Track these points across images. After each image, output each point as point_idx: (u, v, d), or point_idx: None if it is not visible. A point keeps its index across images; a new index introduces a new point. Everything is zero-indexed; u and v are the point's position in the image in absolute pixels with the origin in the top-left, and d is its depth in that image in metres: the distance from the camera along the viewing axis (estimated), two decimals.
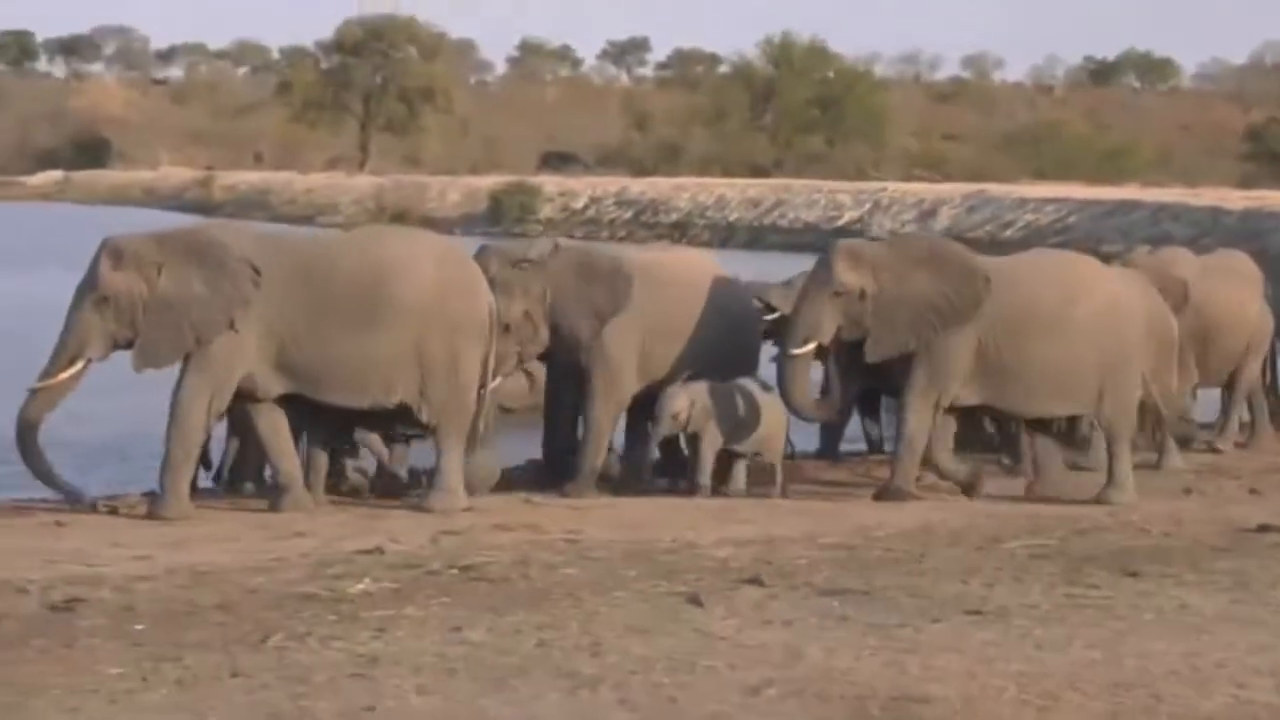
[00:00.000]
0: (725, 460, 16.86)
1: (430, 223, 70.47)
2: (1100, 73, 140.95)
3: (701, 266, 18.07)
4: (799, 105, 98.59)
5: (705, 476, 16.66)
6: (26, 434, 15.29)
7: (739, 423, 16.59)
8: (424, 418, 15.55)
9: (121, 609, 11.32)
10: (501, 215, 74.68)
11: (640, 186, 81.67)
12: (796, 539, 14.02)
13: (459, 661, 9.82)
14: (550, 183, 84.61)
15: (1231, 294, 19.96)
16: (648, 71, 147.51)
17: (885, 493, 16.52)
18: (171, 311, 15.03)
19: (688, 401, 16.38)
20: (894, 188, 73.04)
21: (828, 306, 16.31)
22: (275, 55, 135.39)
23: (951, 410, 16.66)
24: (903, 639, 10.41)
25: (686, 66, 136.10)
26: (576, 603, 11.40)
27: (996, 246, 54.68)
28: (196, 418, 15.08)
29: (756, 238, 63.99)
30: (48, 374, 15.20)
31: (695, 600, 11.45)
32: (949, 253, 17.09)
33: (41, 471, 15.41)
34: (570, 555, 13.26)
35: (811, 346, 16.40)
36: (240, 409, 15.49)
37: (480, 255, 16.83)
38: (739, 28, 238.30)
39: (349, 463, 16.50)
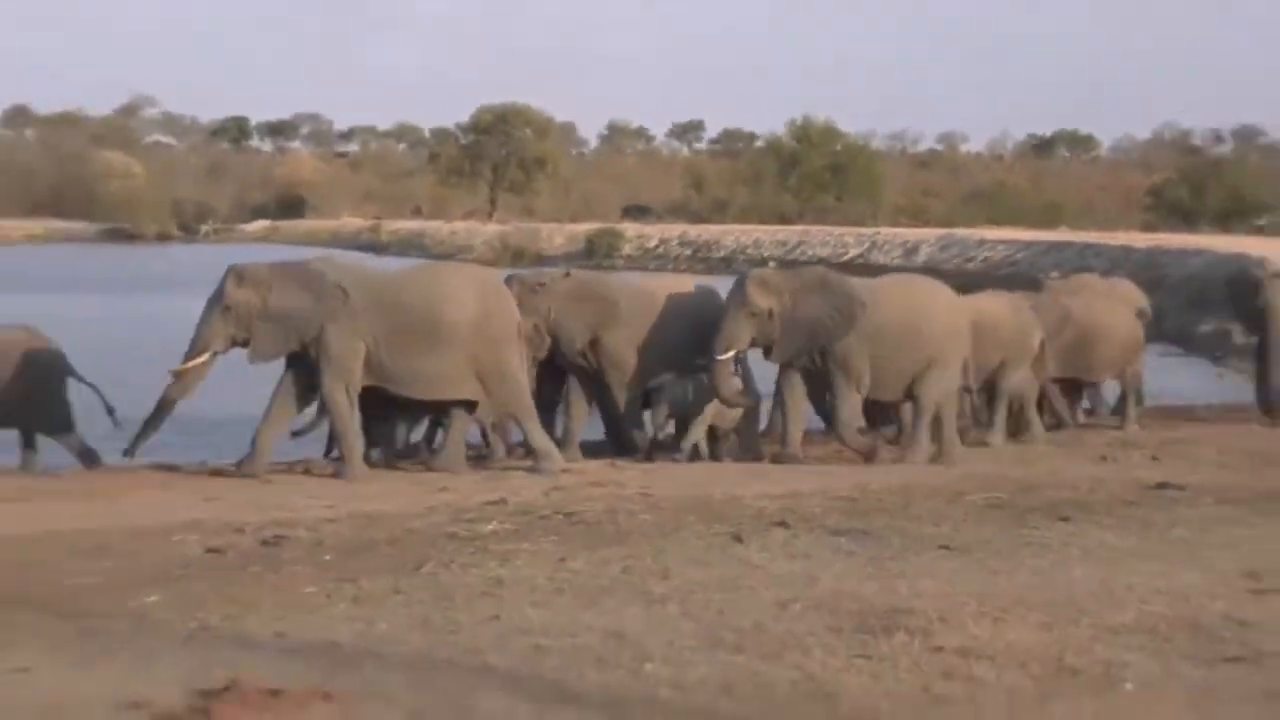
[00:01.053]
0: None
1: (541, 258, 70.71)
2: (1040, 146, 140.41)
3: (679, 289, 17.87)
4: (815, 170, 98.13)
5: (689, 443, 16.90)
6: (163, 408, 15.52)
7: (719, 408, 16.77)
8: (496, 409, 15.76)
9: (314, 544, 11.38)
10: (594, 252, 74.68)
11: (697, 231, 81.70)
12: (813, 493, 13.99)
13: (563, 584, 9.82)
14: (630, 228, 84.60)
15: (1107, 313, 19.89)
16: (703, 146, 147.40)
17: (869, 458, 16.55)
18: (277, 320, 15.16)
19: (683, 391, 16.50)
20: (885, 232, 72.91)
21: (744, 322, 16.32)
22: (426, 134, 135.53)
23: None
24: (892, 567, 10.38)
25: (732, 142, 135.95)
26: (650, 540, 11.39)
27: (963, 276, 54.76)
28: (342, 402, 15.22)
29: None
30: (182, 363, 15.38)
31: (738, 538, 11.42)
32: (835, 281, 17.02)
33: (144, 436, 15.53)
34: (645, 505, 13.25)
35: (732, 353, 16.38)
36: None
37: (507, 281, 16.87)
38: (771, 113, 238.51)
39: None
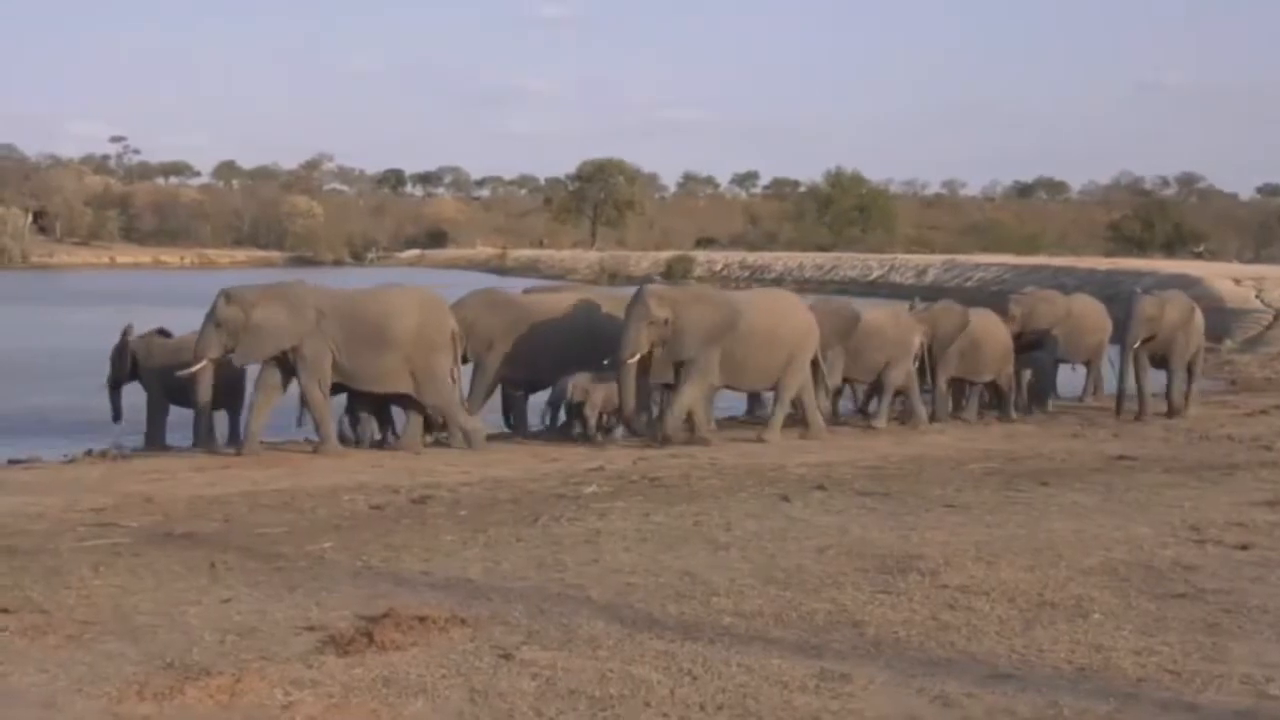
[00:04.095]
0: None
1: (631, 278, 70.53)
2: (1023, 190, 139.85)
3: (562, 301, 17.05)
4: (846, 210, 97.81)
5: (591, 429, 15.81)
6: (199, 400, 15.38)
7: (606, 396, 15.68)
8: (423, 400, 15.05)
9: (453, 502, 11.38)
10: (672, 274, 74.33)
11: (754, 257, 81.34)
12: (843, 462, 13.91)
13: (648, 534, 9.78)
14: (701, 255, 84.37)
15: (990, 325, 18.70)
16: (758, 191, 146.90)
17: (663, 439, 15.36)
18: (259, 332, 14.65)
19: (574, 384, 15.73)
20: (900, 258, 72.44)
21: (645, 330, 15.38)
22: (542, 182, 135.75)
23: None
24: (907, 521, 10.30)
25: (781, 188, 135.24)
26: (716, 499, 11.35)
27: (961, 293, 54.47)
28: (319, 396, 14.75)
29: (820, 287, 63.32)
30: (188, 368, 14.94)
31: (785, 498, 11.37)
32: (714, 295, 16.60)
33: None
34: (712, 471, 13.21)
35: (638, 356, 15.32)
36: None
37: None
38: (812, 165, 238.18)
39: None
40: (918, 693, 6.20)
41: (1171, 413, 18.41)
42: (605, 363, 15.88)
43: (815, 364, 16.54)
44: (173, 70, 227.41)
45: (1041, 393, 19.51)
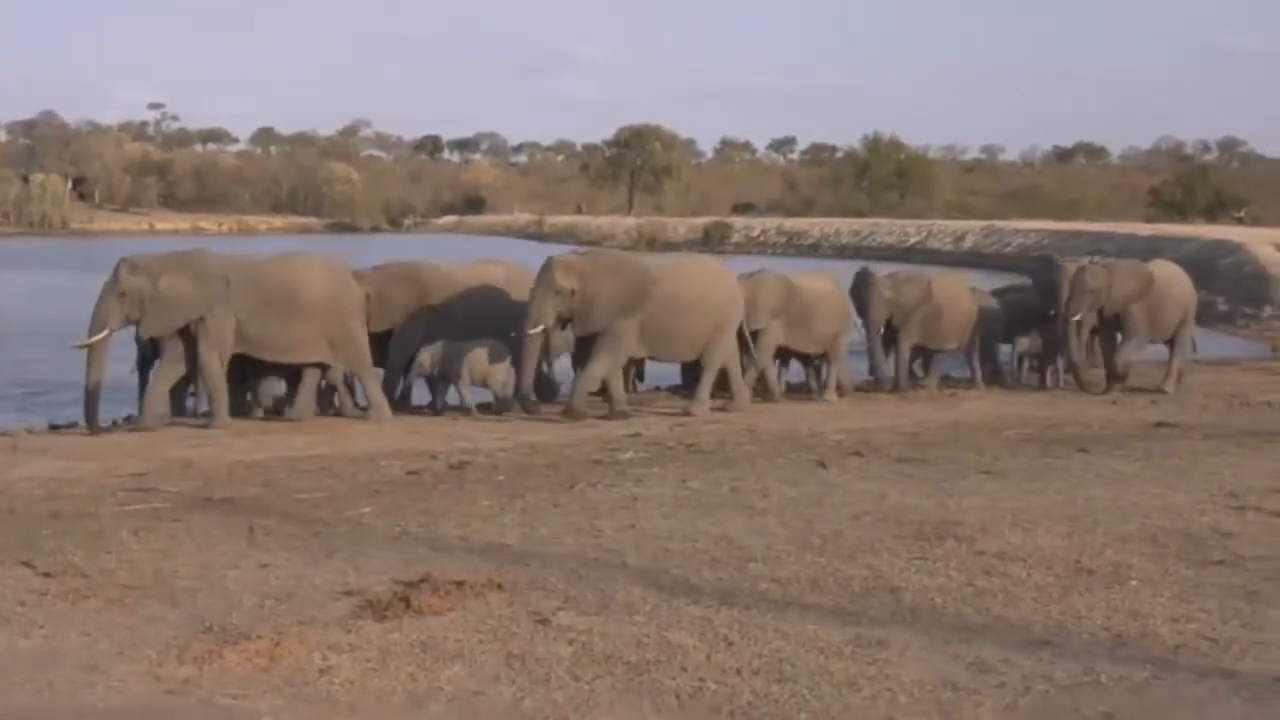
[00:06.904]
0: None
1: (669, 244, 70.26)
2: (1062, 155, 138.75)
3: (473, 273, 16.71)
4: (884, 175, 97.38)
5: (462, 399, 15.40)
6: (92, 375, 14.25)
7: (467, 367, 15.22)
8: (341, 366, 14.93)
9: (490, 468, 11.42)
10: (709, 240, 74.19)
11: (791, 223, 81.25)
12: (881, 429, 13.90)
13: (684, 500, 9.80)
14: (738, 221, 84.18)
15: (955, 292, 18.43)
16: (795, 156, 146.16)
17: (570, 413, 14.91)
18: (166, 303, 14.21)
19: (429, 355, 15.35)
20: (939, 224, 72.22)
21: (550, 301, 14.89)
22: (579, 148, 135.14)
23: (632, 360, 16.03)
24: (945, 488, 10.29)
25: (818, 153, 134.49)
26: (753, 465, 11.36)
27: (1000, 258, 54.25)
28: (218, 368, 14.30)
29: (858, 253, 63.00)
30: (87, 339, 14.25)
31: (822, 464, 11.37)
32: (627, 263, 15.95)
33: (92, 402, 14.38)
34: (749, 438, 13.22)
35: (541, 329, 14.88)
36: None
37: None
38: (849, 130, 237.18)
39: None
40: (954, 659, 6.20)
41: (1110, 379, 17.90)
42: (512, 335, 15.39)
43: (742, 335, 16.12)
44: (211, 37, 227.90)
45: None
